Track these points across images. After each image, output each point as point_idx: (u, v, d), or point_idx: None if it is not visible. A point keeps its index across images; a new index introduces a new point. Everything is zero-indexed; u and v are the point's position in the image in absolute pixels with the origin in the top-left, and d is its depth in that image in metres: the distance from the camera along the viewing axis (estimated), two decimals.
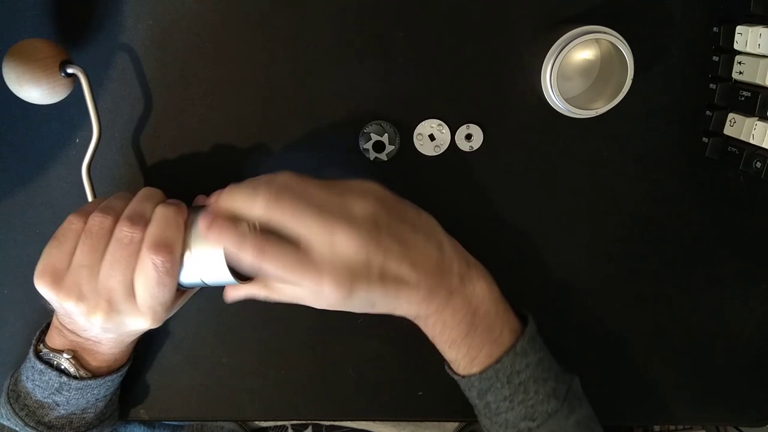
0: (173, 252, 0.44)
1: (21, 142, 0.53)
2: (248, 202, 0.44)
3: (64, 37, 0.50)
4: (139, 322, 0.46)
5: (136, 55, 0.51)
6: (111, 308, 0.45)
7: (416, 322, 0.50)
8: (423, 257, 0.47)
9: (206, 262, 0.45)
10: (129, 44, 0.51)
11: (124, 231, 0.44)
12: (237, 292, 0.48)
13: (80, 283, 0.44)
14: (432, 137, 0.53)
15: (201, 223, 0.44)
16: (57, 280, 0.44)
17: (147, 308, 0.45)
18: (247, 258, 0.43)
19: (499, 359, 0.48)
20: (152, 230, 0.45)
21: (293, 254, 0.43)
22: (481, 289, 0.49)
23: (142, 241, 0.44)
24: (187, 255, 0.46)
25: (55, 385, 0.49)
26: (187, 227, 0.46)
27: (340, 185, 0.46)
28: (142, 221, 0.45)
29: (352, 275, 0.43)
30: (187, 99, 0.52)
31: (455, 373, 0.51)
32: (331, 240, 0.43)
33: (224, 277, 0.46)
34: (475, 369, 0.49)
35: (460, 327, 0.48)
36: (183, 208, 0.47)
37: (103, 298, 0.44)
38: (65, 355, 0.49)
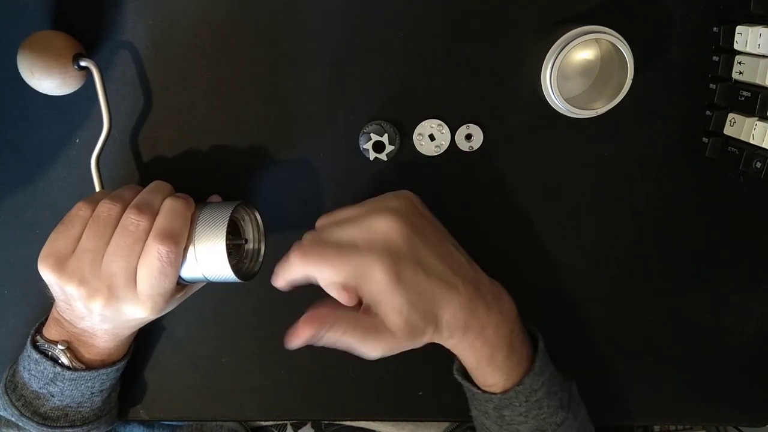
0: (179, 243, 0.45)
1: (21, 142, 0.53)
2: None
3: None
4: (138, 310, 0.47)
5: (136, 55, 0.51)
6: (111, 294, 0.45)
7: (460, 346, 0.48)
8: (459, 264, 0.47)
9: (209, 256, 0.46)
10: (129, 44, 0.51)
11: (131, 218, 0.45)
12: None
13: (83, 267, 0.45)
14: (432, 137, 0.53)
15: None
16: (60, 263, 0.45)
17: (146, 296, 0.46)
18: (291, 264, 0.44)
19: (520, 381, 0.48)
20: (160, 220, 0.46)
21: (334, 246, 0.44)
22: (510, 306, 0.50)
23: (147, 230, 0.45)
24: (191, 249, 0.47)
25: (50, 375, 0.50)
26: (193, 222, 0.47)
27: (369, 200, 0.48)
28: (149, 210, 0.46)
29: (396, 256, 0.44)
30: (187, 99, 0.52)
31: (474, 385, 0.50)
32: (369, 230, 0.44)
33: (225, 272, 0.47)
34: (500, 388, 0.49)
35: (503, 349, 0.48)
36: (191, 202, 0.48)
37: (105, 283, 0.45)
38: (59, 346, 0.50)
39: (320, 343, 0.44)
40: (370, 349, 0.44)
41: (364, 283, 0.44)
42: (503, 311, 0.48)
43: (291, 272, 0.45)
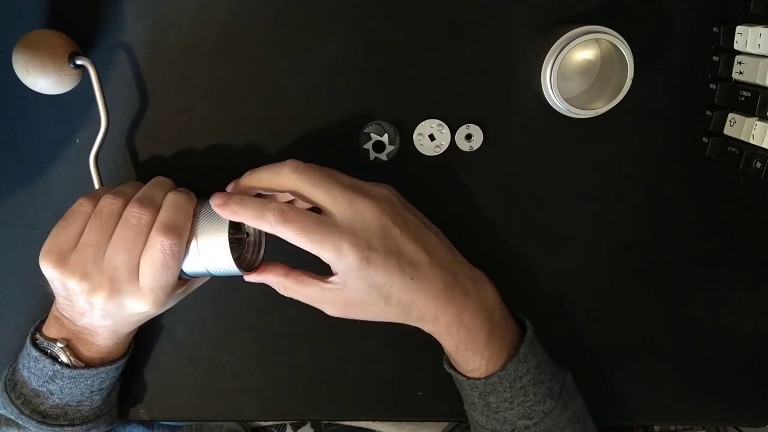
0: (181, 236, 0.46)
1: (21, 142, 0.53)
2: (274, 174, 0.46)
3: None
4: (139, 304, 0.47)
5: (136, 55, 0.51)
6: (113, 287, 0.45)
7: (435, 330, 0.50)
8: (437, 252, 0.48)
9: (211, 249, 0.47)
10: (129, 44, 0.51)
11: (132, 212, 0.46)
12: (256, 277, 0.49)
13: (85, 261, 0.45)
14: (432, 137, 0.53)
15: (214, 200, 0.46)
16: (62, 258, 0.45)
17: (148, 290, 0.46)
18: (268, 223, 0.44)
19: (504, 366, 0.49)
20: (163, 214, 0.46)
21: (314, 218, 0.45)
22: (492, 294, 0.51)
23: (149, 223, 0.46)
24: (193, 243, 0.47)
25: (49, 372, 0.50)
26: (195, 216, 0.48)
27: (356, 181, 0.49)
28: (151, 204, 0.46)
29: (370, 241, 0.45)
30: (187, 99, 0.52)
31: (460, 373, 0.51)
32: (353, 207, 0.45)
33: (228, 266, 0.47)
34: (482, 373, 0.50)
35: (482, 334, 0.49)
36: (193, 196, 0.49)
37: (107, 276, 0.45)
38: (59, 344, 0.50)
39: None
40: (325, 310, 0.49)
41: (336, 258, 0.45)
42: (483, 297, 0.50)
43: (261, 220, 0.45)
